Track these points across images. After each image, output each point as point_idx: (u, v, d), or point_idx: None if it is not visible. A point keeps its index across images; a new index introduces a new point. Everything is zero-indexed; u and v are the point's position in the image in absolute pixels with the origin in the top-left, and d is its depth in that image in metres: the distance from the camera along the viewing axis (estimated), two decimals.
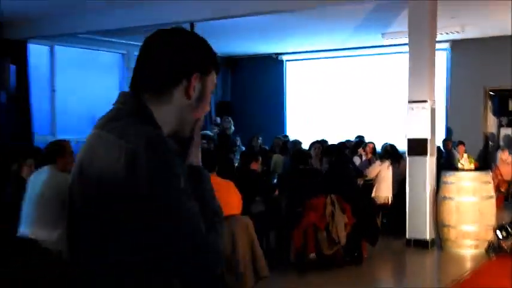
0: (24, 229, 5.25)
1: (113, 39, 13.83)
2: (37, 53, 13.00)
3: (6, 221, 5.77)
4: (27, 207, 5.30)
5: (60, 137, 11.35)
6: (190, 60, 1.73)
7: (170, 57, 1.71)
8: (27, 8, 10.52)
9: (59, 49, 13.49)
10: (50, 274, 5.03)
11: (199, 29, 11.56)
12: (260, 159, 8.48)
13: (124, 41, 13.98)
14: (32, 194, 5.30)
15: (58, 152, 5.46)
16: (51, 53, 13.40)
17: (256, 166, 8.04)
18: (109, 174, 1.56)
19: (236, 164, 9.87)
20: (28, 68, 12.46)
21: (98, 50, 14.34)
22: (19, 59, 12.29)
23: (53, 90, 13.39)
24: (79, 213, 1.67)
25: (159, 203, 1.54)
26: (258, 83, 17.18)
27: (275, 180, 8.38)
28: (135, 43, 14.48)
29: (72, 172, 1.73)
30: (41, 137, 12.00)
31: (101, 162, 1.59)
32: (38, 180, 5.35)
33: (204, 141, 13.16)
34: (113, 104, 1.76)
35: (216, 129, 14.98)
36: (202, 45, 1.78)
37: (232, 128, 15.32)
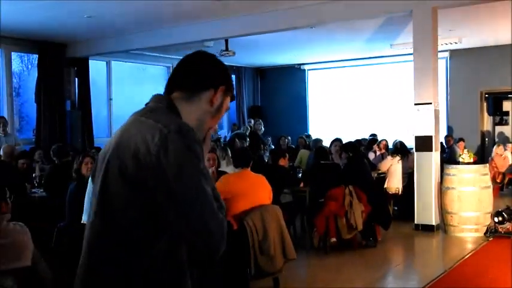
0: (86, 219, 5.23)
1: (160, 54, 13.85)
2: (96, 67, 13.09)
3: (72, 212, 5.79)
4: (88, 200, 5.29)
5: None
6: (220, 75, 1.81)
7: (206, 68, 1.80)
8: (88, 29, 10.61)
9: (114, 64, 13.57)
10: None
11: (233, 44, 11.70)
12: (287, 156, 8.38)
13: (169, 56, 13.98)
14: (95, 189, 5.26)
15: None
16: (108, 67, 13.48)
17: (284, 162, 7.95)
18: (144, 149, 1.56)
19: (266, 161, 9.80)
20: (89, 81, 12.54)
21: (147, 63, 14.38)
22: (82, 73, 12.41)
23: (110, 99, 13.48)
24: (111, 181, 1.65)
25: (183, 180, 1.54)
26: (283, 89, 17.12)
27: (300, 175, 8.25)
28: (178, 57, 14.44)
29: (108, 142, 1.74)
30: (100, 139, 12.06)
31: (138, 139, 1.59)
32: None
33: (237, 140, 13.10)
34: (147, 103, 1.79)
35: (248, 130, 14.93)
36: (228, 71, 1.87)
37: (263, 128, 15.26)
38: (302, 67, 16.74)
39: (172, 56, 14.19)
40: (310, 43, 12.93)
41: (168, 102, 1.73)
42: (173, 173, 1.53)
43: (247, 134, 14.04)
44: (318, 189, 7.08)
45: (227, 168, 7.78)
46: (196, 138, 1.60)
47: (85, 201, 5.29)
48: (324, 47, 13.51)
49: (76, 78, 12.39)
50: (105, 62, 13.37)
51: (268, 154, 10.66)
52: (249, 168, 5.35)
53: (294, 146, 12.94)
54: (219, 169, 6.87)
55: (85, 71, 12.46)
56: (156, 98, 1.77)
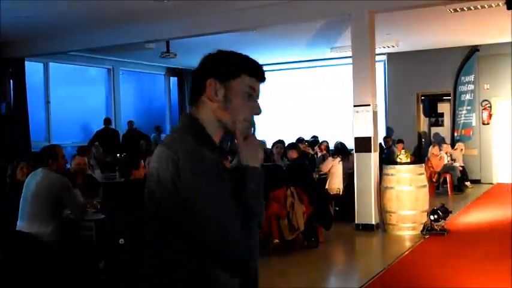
0: (21, 224, 5.08)
1: (100, 56, 13.58)
2: (33, 69, 12.69)
3: (5, 217, 5.58)
4: (23, 205, 5.12)
5: (54, 142, 11.10)
6: (204, 72, 1.78)
7: (194, 75, 1.82)
8: (24, 29, 10.26)
9: (52, 65, 13.20)
10: (44, 264, 4.86)
11: (175, 46, 11.60)
12: (229, 158, 8.36)
13: (109, 57, 13.73)
14: (28, 193, 5.13)
15: (51, 155, 5.29)
16: (46, 69, 13.09)
17: (227, 164, 7.91)
18: (163, 177, 1.67)
19: None
20: (25, 82, 12.14)
21: (87, 65, 14.05)
22: (17, 74, 12.00)
23: (47, 102, 13.10)
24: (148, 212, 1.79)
25: (192, 201, 1.64)
26: None
27: None
28: (119, 59, 14.26)
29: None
30: (37, 143, 11.69)
31: (159, 167, 1.70)
32: (32, 181, 5.18)
33: None
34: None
35: None
36: (221, 57, 1.81)
37: None
38: None
39: (113, 58, 13.95)
40: (252, 46, 12.96)
41: (187, 119, 1.79)
42: (189, 195, 1.64)
43: None
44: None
45: None
46: (204, 156, 1.66)
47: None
48: (266, 50, 13.58)
49: (11, 80, 11.96)
50: (42, 64, 12.98)
51: None
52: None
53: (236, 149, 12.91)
54: None
55: (21, 73, 12.05)
56: (180, 116, 1.90)
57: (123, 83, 14.95)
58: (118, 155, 11.01)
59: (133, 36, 10.45)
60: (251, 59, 1.82)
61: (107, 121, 13.26)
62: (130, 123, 14.07)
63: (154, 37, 10.49)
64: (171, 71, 16.65)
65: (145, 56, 13.85)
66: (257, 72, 1.82)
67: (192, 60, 15.37)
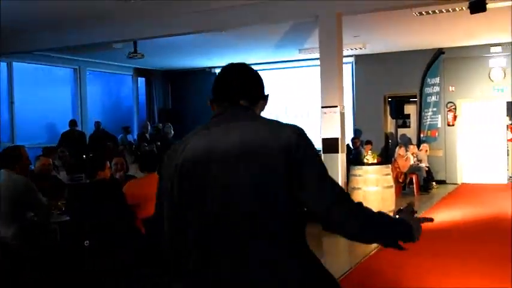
0: None
1: (67, 56, 13.39)
2: None
3: None
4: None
5: (18, 143, 10.90)
6: (264, 87, 2.11)
7: (260, 79, 2.09)
8: None
9: (16, 65, 12.96)
10: (8, 265, 4.78)
11: (142, 46, 11.47)
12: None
13: (76, 57, 13.55)
14: None
15: (15, 156, 5.20)
16: (9, 68, 12.85)
17: None
18: (291, 144, 1.85)
19: None
20: None
21: (53, 65, 13.84)
22: None
23: (11, 102, 12.85)
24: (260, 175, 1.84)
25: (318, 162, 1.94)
26: (195, 93, 17.03)
27: None
28: (86, 59, 14.09)
29: (201, 149, 1.89)
30: (1, 144, 11.46)
31: (281, 137, 1.86)
32: None
33: (145, 144, 12.92)
34: (216, 111, 2.06)
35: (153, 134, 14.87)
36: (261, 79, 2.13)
37: (172, 132, 15.13)
38: (213, 70, 16.74)
39: (80, 58, 13.78)
40: (221, 47, 12.98)
41: (249, 109, 2.02)
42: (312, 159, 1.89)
43: (157, 138, 13.90)
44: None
45: (138, 173, 7.63)
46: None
47: None
48: (235, 51, 13.59)
49: None
50: (5, 64, 12.74)
51: None
52: (156, 172, 5.27)
53: None
54: (128, 173, 6.74)
55: None
56: (239, 107, 2.01)
57: (90, 84, 14.77)
58: (84, 156, 10.89)
59: (100, 36, 10.34)
60: None
61: (73, 123, 13.09)
62: (97, 124, 13.92)
63: (121, 37, 10.40)
64: (139, 72, 16.53)
65: (113, 57, 13.73)
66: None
67: (160, 61, 15.31)
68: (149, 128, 15.34)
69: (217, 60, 15.45)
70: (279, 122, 1.95)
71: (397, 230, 2.02)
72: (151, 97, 16.79)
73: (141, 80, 16.86)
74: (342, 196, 1.95)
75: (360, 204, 1.98)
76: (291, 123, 1.97)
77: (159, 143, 14.24)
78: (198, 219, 1.85)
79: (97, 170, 5.04)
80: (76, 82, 14.34)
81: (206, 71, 16.71)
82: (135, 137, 15.61)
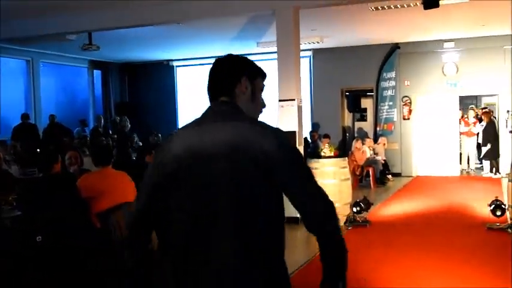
0: None
1: (18, 47, 13.03)
2: None
3: None
4: None
5: None
6: (238, 69, 2.16)
7: (229, 69, 2.17)
8: None
9: None
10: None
11: (98, 38, 11.24)
12: (153, 152, 8.26)
13: (27, 49, 13.21)
14: None
15: None
16: None
17: (150, 159, 7.83)
18: (270, 147, 1.93)
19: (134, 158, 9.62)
20: None
21: (4, 56, 13.42)
22: None
23: None
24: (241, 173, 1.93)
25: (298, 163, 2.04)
26: (152, 86, 16.91)
27: None
28: (39, 50, 13.75)
29: (181, 153, 1.97)
30: None
31: (261, 140, 1.94)
32: None
33: (103, 138, 12.73)
34: (212, 108, 2.13)
35: (101, 128, 14.66)
36: (246, 61, 2.21)
37: (129, 125, 14.95)
38: (171, 63, 16.63)
39: (32, 49, 13.44)
40: (178, 39, 12.88)
41: (236, 106, 2.10)
42: (291, 161, 1.99)
43: (114, 131, 13.72)
44: None
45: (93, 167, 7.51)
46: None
47: None
48: (192, 43, 13.52)
49: None
50: None
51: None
52: (110, 166, 5.20)
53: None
54: (83, 167, 6.62)
55: None
56: (225, 104, 2.11)
57: (44, 76, 14.43)
58: (38, 150, 10.64)
59: (54, 27, 10.08)
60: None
61: (25, 116, 12.78)
62: (51, 117, 13.62)
63: (75, 28, 10.18)
64: (95, 64, 16.24)
65: (68, 48, 13.43)
66: (265, 76, 2.26)
67: (116, 53, 15.08)
68: (102, 121, 15.08)
69: (175, 53, 15.33)
70: (262, 124, 2.03)
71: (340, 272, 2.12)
72: (107, 90, 16.55)
73: (97, 73, 16.57)
74: (322, 204, 2.07)
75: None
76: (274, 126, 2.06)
77: (115, 136, 14.07)
78: (177, 216, 1.99)
79: (51, 163, 4.94)
80: (29, 74, 13.97)
81: (164, 64, 16.58)
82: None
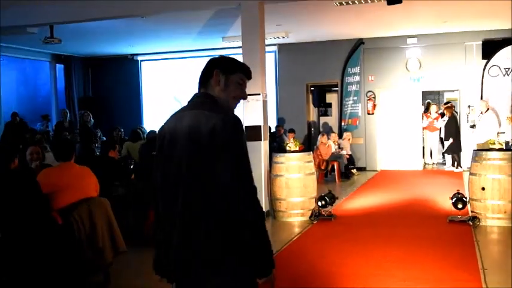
0: None
1: None
2: None
3: None
4: None
5: None
6: (212, 65, 2.51)
7: (207, 64, 2.54)
8: None
9: None
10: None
11: (59, 31, 10.99)
12: (117, 147, 8.17)
13: None
14: None
15: None
16: None
17: (114, 154, 7.75)
18: (218, 129, 2.27)
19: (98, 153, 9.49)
20: None
21: None
22: None
23: None
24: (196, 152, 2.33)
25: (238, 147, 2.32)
26: (116, 80, 16.70)
27: (132, 166, 8.10)
28: None
29: (171, 127, 2.45)
30: None
31: (211, 123, 2.29)
32: None
33: (67, 133, 12.51)
34: (193, 99, 2.52)
35: (67, 123, 14.42)
36: (225, 58, 2.55)
37: (92, 120, 14.72)
38: (135, 58, 16.44)
39: None
40: (143, 33, 12.73)
41: (209, 97, 2.46)
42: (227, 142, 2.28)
43: (77, 126, 13.50)
44: (150, 180, 6.98)
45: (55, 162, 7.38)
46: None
47: None
48: (157, 37, 13.38)
49: None
50: None
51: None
52: (72, 161, 5.11)
53: (127, 138, 12.65)
54: (45, 162, 6.50)
55: None
56: (202, 95, 2.49)
57: (3, 70, 14.08)
58: None
59: (13, 20, 9.84)
60: (245, 64, 2.55)
61: None
62: (14, 114, 13.32)
63: (36, 21, 9.96)
64: (57, 58, 15.93)
65: (29, 42, 13.13)
66: (247, 73, 2.54)
67: (79, 47, 14.81)
68: (68, 115, 14.84)
69: (139, 48, 15.16)
70: (217, 111, 2.35)
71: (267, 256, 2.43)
72: (70, 84, 16.25)
73: (60, 67, 16.25)
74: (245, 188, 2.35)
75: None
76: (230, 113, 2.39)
77: (77, 131, 13.86)
78: (158, 178, 2.49)
79: (11, 159, 4.82)
80: None
81: (128, 58, 16.39)
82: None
